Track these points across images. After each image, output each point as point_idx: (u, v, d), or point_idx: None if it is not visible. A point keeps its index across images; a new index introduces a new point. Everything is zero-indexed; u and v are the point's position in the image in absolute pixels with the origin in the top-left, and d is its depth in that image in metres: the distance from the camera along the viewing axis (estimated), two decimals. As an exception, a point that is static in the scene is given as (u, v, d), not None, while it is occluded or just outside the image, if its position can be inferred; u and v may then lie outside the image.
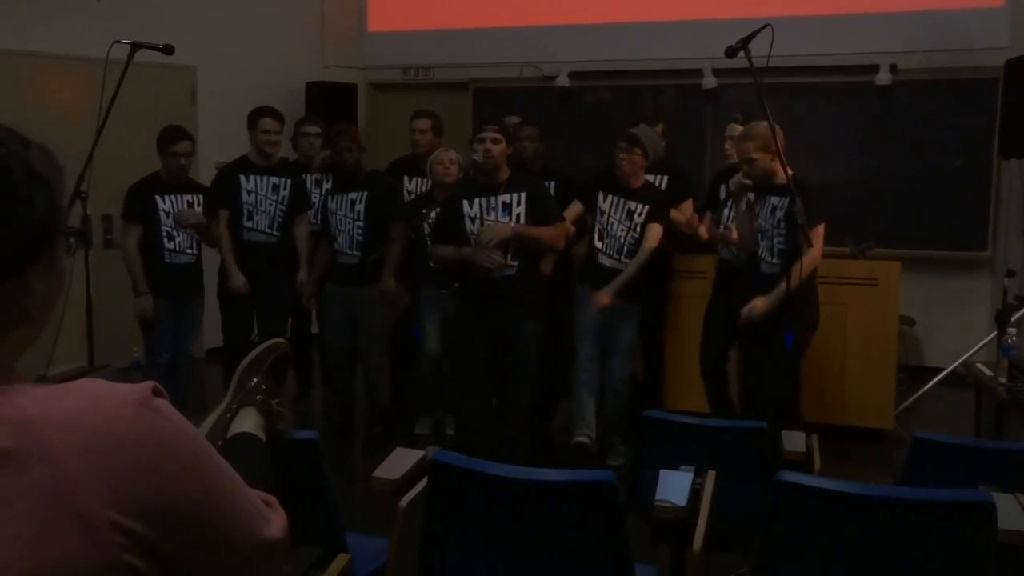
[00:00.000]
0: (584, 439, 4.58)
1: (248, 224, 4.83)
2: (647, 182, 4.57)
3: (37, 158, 0.91)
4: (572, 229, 4.48)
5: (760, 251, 4.06)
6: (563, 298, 4.70)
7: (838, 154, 6.30)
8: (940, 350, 6.06)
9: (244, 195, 4.83)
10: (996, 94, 5.89)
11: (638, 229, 4.44)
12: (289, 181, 4.96)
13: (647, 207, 4.44)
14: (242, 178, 4.84)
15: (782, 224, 3.89)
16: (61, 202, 0.93)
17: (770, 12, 4.29)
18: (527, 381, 4.18)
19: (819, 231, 3.84)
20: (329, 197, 4.82)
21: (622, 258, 4.46)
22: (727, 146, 4.65)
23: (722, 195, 4.71)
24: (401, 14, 7.55)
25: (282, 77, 6.94)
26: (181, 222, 4.57)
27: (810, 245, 3.72)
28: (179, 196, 4.61)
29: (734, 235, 4.39)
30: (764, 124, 3.88)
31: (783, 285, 3.76)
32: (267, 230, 4.89)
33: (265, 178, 4.89)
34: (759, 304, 3.91)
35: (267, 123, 4.87)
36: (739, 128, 4.57)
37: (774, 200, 3.96)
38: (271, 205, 4.91)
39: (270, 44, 6.89)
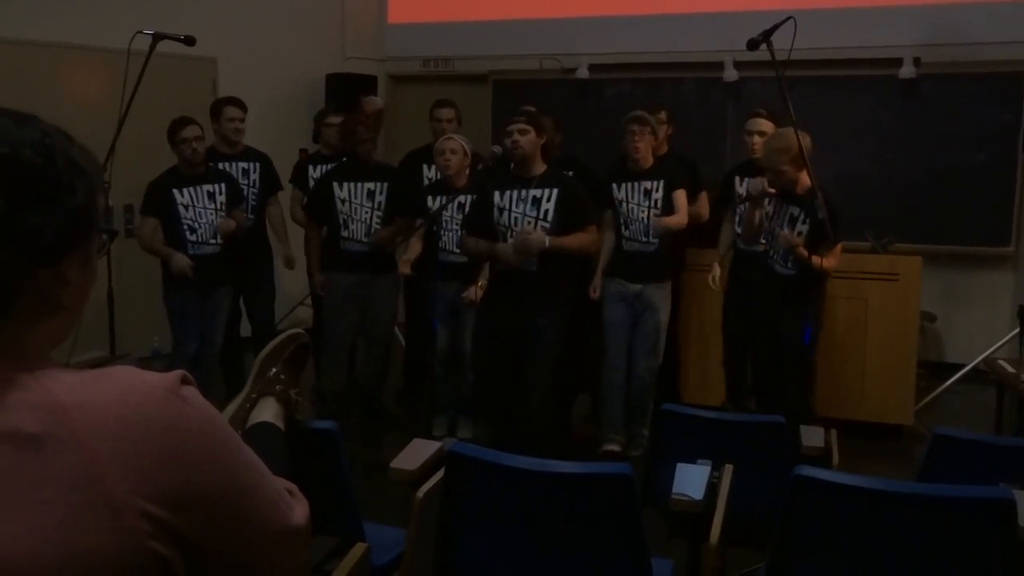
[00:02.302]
0: (615, 447, 4.58)
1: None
2: (657, 159, 4.57)
3: (79, 152, 0.93)
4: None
5: (771, 253, 4.05)
6: (582, 292, 4.71)
7: (860, 148, 6.25)
8: (961, 346, 6.02)
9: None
10: (1021, 88, 5.82)
11: (658, 204, 4.44)
12: (258, 165, 5.04)
13: (662, 181, 4.47)
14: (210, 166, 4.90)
15: (803, 235, 3.89)
16: (99, 197, 0.95)
17: (792, 5, 4.25)
18: (542, 377, 4.10)
19: (837, 250, 3.85)
20: (336, 184, 4.78)
21: (649, 239, 4.47)
22: (753, 140, 4.59)
23: (739, 188, 4.68)
24: (421, 6, 7.55)
25: (302, 68, 6.97)
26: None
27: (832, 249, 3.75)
28: (198, 187, 4.61)
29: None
30: (791, 132, 3.88)
31: (805, 254, 3.85)
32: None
33: (234, 164, 4.98)
34: (796, 240, 3.90)
35: (231, 111, 4.96)
36: (762, 122, 4.53)
37: (793, 210, 3.95)
38: (243, 189, 4.97)
39: (290, 35, 6.91)
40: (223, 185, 4.70)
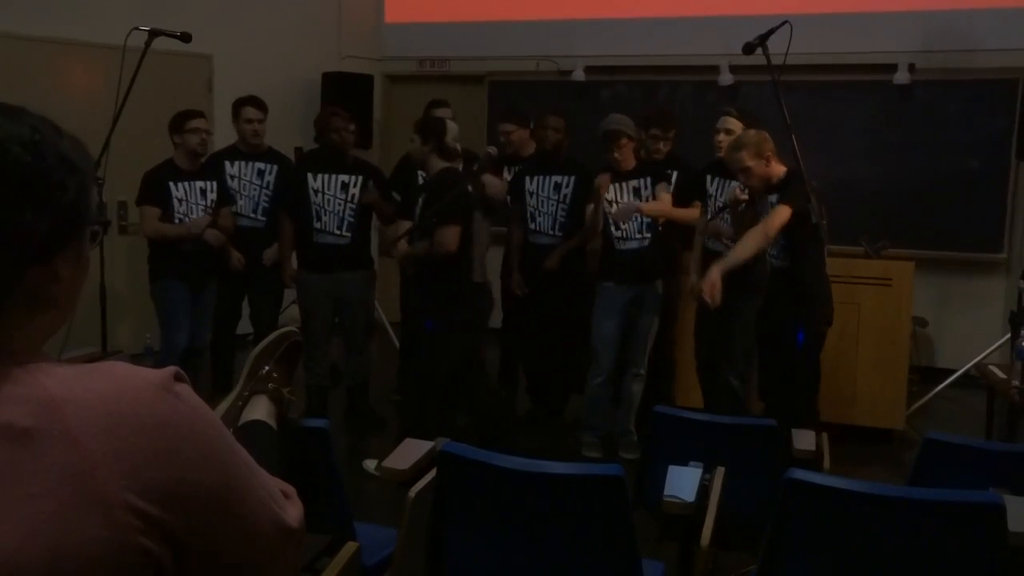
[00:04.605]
0: (596, 454, 4.63)
1: (232, 209, 4.88)
2: (638, 159, 4.60)
3: (69, 146, 0.92)
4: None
5: (771, 249, 4.04)
6: (576, 293, 4.72)
7: (855, 153, 6.26)
8: (953, 352, 6.03)
9: (228, 180, 4.89)
10: (1015, 95, 5.85)
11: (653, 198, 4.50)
12: (276, 167, 5.00)
13: (650, 178, 4.51)
14: (227, 163, 4.89)
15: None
16: (90, 191, 0.94)
17: (789, 9, 4.26)
18: (418, 364, 4.31)
19: (782, 211, 3.71)
20: (310, 175, 4.76)
21: (644, 233, 4.51)
22: (719, 138, 4.54)
23: (709, 188, 4.64)
24: (418, 6, 7.55)
25: (298, 67, 6.96)
26: (194, 232, 4.56)
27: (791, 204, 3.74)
28: (192, 183, 4.60)
29: (726, 229, 4.39)
30: (751, 132, 3.90)
31: (733, 253, 3.83)
32: (251, 215, 4.96)
33: (250, 164, 4.95)
34: (715, 276, 3.81)
35: (249, 112, 4.92)
36: (731, 120, 4.53)
37: (772, 199, 3.94)
38: (255, 190, 4.95)
39: (287, 34, 6.90)
40: (214, 183, 4.69)
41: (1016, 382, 3.88)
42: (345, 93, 6.75)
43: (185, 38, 4.05)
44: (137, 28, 3.92)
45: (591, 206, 4.55)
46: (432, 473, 2.27)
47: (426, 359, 4.28)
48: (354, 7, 7.52)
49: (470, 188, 4.32)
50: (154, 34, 3.98)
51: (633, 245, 4.51)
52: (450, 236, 4.07)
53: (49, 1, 5.61)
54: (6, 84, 5.00)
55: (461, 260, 4.18)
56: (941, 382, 5.55)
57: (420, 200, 4.50)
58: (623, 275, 4.52)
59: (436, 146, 4.21)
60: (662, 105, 5.81)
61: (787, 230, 3.75)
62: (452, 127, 4.33)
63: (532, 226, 4.95)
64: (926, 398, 5.42)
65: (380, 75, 7.59)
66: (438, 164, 4.22)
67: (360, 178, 4.81)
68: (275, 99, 6.75)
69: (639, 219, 4.48)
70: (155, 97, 5.22)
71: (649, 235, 4.50)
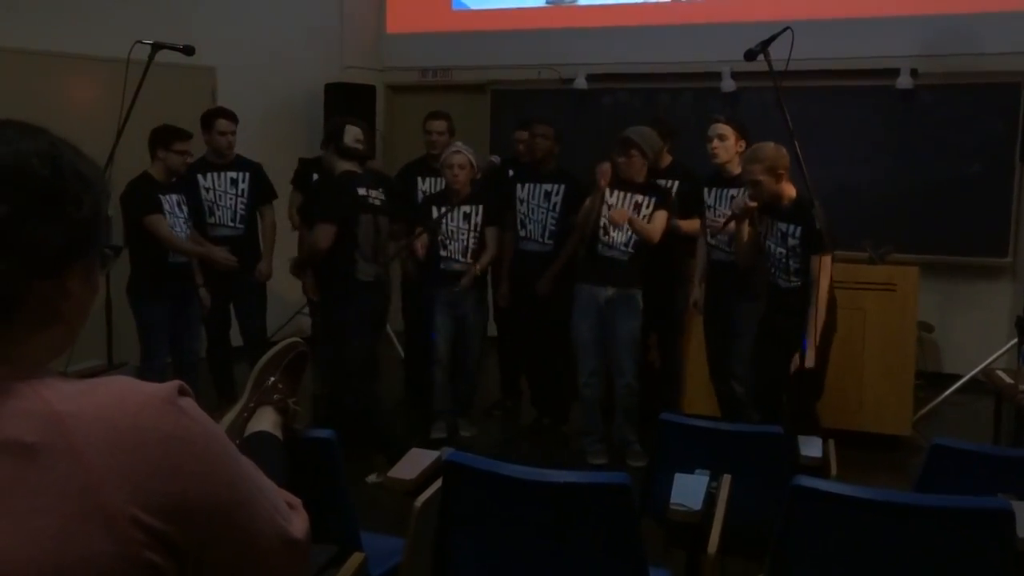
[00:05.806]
0: (603, 460, 4.62)
1: (211, 220, 4.92)
2: (648, 177, 4.57)
3: (87, 166, 0.94)
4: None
5: (774, 272, 4.03)
6: (568, 301, 4.73)
7: (858, 158, 6.26)
8: (959, 357, 6.01)
9: (203, 193, 4.92)
10: (1018, 99, 5.84)
11: (648, 221, 4.46)
12: (248, 174, 5.05)
13: (654, 199, 4.48)
14: (200, 177, 4.92)
15: (797, 250, 3.88)
16: (104, 212, 0.95)
17: (790, 15, 4.27)
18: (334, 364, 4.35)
19: (826, 262, 3.77)
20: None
21: (629, 248, 4.48)
22: (713, 145, 4.50)
23: (707, 199, 4.61)
24: (419, 16, 7.57)
25: (301, 78, 6.98)
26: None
27: (829, 250, 3.72)
28: (170, 196, 4.61)
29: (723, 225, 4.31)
30: (771, 145, 3.92)
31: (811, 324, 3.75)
32: (231, 223, 4.99)
33: (223, 174, 4.99)
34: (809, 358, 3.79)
35: (223, 124, 4.96)
36: (720, 126, 4.51)
37: (782, 227, 3.93)
38: (231, 199, 4.99)
39: (289, 45, 6.92)
40: (184, 196, 4.71)
41: (1023, 387, 3.87)
42: (348, 104, 6.76)
43: (188, 51, 4.06)
44: (140, 42, 3.92)
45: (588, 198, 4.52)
46: (438, 483, 2.27)
47: (330, 363, 4.39)
48: (356, 18, 7.55)
49: (365, 191, 4.27)
50: (157, 47, 3.98)
51: (615, 255, 4.49)
52: (320, 234, 4.12)
53: (52, 15, 5.63)
54: (11, 99, 5.02)
55: (340, 259, 4.16)
56: (948, 387, 5.53)
57: (445, 208, 4.63)
58: (599, 278, 4.50)
59: (335, 148, 4.27)
60: (663, 113, 5.80)
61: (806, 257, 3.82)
62: (351, 130, 4.36)
63: (522, 233, 4.99)
64: (933, 404, 5.41)
65: (382, 86, 7.61)
66: (340, 166, 4.26)
67: (379, 190, 4.84)
68: (278, 111, 6.82)
69: (630, 235, 4.46)
70: (159, 110, 5.21)
71: (633, 251, 4.48)
